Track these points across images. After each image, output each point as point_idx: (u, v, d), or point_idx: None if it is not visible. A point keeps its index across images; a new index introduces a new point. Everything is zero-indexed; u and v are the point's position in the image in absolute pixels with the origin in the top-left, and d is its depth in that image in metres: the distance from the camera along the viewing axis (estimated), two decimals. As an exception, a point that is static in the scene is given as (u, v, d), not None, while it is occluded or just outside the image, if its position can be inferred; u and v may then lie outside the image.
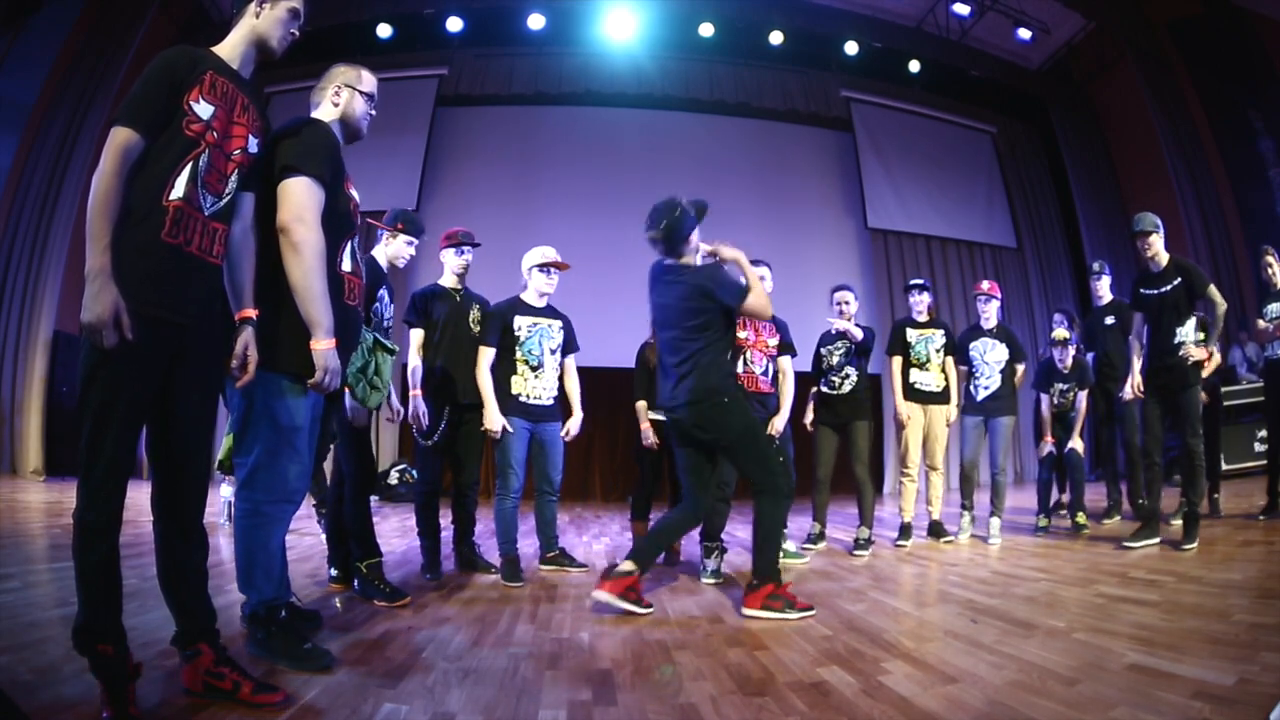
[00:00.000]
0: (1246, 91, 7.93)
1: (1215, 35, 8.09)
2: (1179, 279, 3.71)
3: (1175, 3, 8.39)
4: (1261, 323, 4.38)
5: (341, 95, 2.07)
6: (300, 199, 1.79)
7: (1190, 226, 8.25)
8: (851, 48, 9.68)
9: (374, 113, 2.16)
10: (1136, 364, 4.05)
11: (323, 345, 1.80)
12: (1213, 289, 3.70)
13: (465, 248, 3.41)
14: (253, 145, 1.72)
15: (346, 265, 2.02)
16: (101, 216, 1.44)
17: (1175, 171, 8.40)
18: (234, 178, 1.67)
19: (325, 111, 2.07)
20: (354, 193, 2.10)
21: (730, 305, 2.66)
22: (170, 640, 1.67)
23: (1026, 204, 10.35)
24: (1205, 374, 4.05)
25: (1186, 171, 8.33)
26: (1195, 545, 3.58)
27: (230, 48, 1.73)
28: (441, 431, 3.31)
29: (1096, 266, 4.94)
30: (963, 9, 9.27)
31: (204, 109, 1.59)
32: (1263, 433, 5.52)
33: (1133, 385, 4.13)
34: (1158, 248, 3.78)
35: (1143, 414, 4.10)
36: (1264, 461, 4.84)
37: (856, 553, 3.99)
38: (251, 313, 1.76)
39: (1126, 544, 3.73)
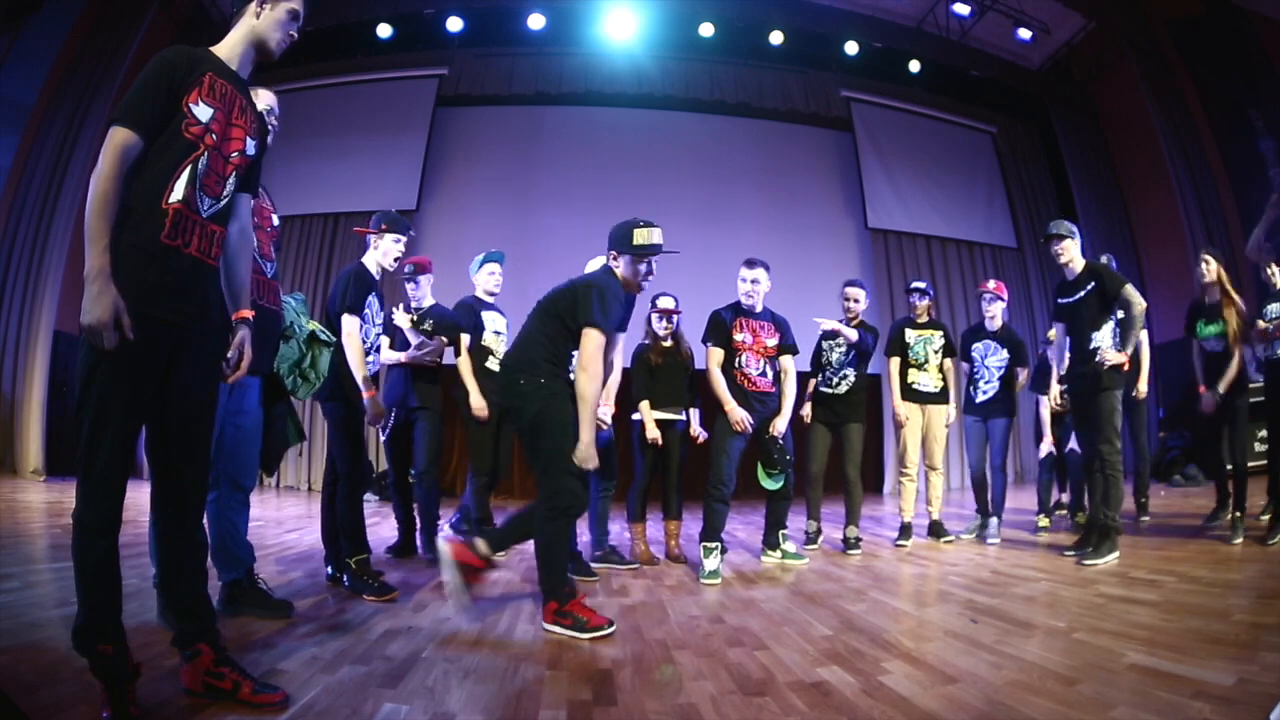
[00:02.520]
0: (1246, 91, 7.92)
1: (1215, 35, 8.08)
2: (1092, 283, 3.62)
3: (1175, 3, 8.38)
4: (1261, 323, 4.37)
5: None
6: None
7: (1190, 226, 8.24)
8: (851, 48, 9.65)
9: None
10: (1055, 376, 4.12)
11: None
12: (1128, 289, 3.54)
13: (419, 278, 3.87)
14: (250, 147, 1.72)
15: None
16: (100, 217, 1.44)
17: (1175, 171, 8.39)
18: (231, 180, 1.67)
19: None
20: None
21: (572, 325, 2.47)
22: (170, 640, 1.67)
23: (1026, 204, 10.34)
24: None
25: (1186, 171, 8.32)
26: (1104, 563, 3.34)
27: (229, 48, 1.73)
28: (390, 428, 3.70)
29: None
30: (963, 9, 9.25)
31: (203, 111, 1.59)
32: (1263, 433, 5.51)
33: (1052, 398, 4.19)
34: (1072, 254, 3.68)
35: (1074, 426, 4.10)
36: (1264, 461, 4.84)
37: (849, 552, 4.01)
38: (248, 313, 1.77)
39: (1085, 562, 3.42)
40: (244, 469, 2.42)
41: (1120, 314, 3.81)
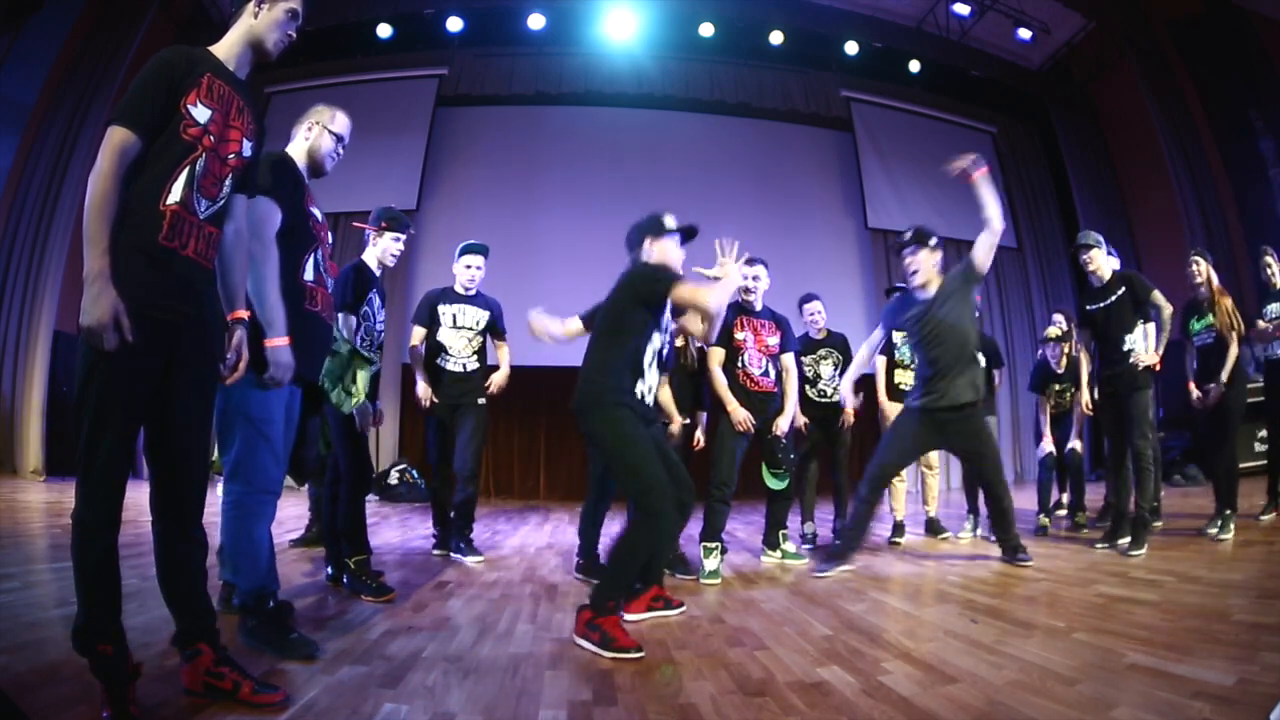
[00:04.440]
0: (1246, 91, 7.92)
1: (1215, 35, 8.08)
2: (1123, 289, 3.80)
3: (1175, 3, 8.38)
4: (1261, 323, 4.37)
5: (312, 131, 2.32)
6: (257, 218, 1.92)
7: (1190, 226, 8.24)
8: (851, 48, 9.66)
9: (342, 152, 2.39)
10: (1085, 378, 4.16)
11: (274, 343, 1.90)
12: (1156, 294, 3.75)
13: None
14: (247, 149, 1.72)
15: (309, 275, 2.19)
16: (99, 218, 1.44)
17: (1175, 171, 8.39)
18: (228, 181, 1.67)
19: (296, 145, 2.32)
20: (316, 211, 2.28)
21: (640, 291, 2.48)
22: (170, 640, 1.67)
23: (1026, 204, 10.34)
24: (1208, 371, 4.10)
25: (1186, 171, 8.32)
26: (1144, 552, 3.51)
27: (227, 48, 1.72)
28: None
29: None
30: (963, 9, 9.26)
31: (201, 113, 1.58)
32: (1263, 433, 5.52)
33: (1085, 403, 4.17)
34: (1099, 262, 3.88)
35: (1104, 427, 4.15)
36: (1264, 461, 4.84)
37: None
38: (244, 314, 1.78)
39: (1131, 553, 3.60)
40: (251, 462, 2.34)
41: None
